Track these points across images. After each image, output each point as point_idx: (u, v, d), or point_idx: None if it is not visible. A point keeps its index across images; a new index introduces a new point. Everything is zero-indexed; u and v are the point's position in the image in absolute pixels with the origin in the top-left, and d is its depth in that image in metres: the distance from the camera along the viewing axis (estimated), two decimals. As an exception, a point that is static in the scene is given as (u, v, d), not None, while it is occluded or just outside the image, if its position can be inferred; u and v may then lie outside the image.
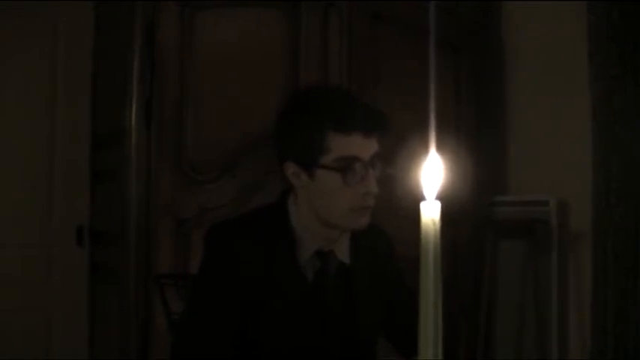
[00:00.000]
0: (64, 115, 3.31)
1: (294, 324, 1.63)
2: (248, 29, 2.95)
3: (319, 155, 1.56)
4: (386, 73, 3.15)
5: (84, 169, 3.27)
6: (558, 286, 3.29)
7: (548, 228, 3.28)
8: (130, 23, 2.85)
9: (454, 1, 3.36)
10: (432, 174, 0.85)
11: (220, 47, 2.90)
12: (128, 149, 2.83)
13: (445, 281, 0.89)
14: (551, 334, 3.30)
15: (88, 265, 3.26)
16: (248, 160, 2.87)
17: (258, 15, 2.96)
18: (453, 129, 3.34)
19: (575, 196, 3.27)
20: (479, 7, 3.53)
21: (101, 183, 3.24)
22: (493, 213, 3.45)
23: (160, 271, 2.68)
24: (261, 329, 1.61)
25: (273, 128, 1.66)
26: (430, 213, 0.84)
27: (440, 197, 0.86)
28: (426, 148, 0.91)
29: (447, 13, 3.30)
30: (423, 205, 0.84)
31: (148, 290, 2.75)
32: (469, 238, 3.36)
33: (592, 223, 3.07)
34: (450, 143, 3.13)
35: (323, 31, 3.00)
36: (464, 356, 3.36)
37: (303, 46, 2.98)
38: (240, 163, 2.87)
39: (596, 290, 3.06)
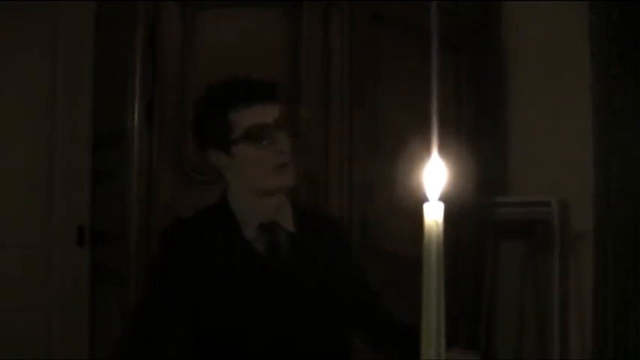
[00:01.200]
0: (64, 114, 3.31)
1: (254, 297, 1.71)
2: (249, 29, 2.94)
3: (228, 133, 1.73)
4: (386, 73, 3.15)
5: (84, 168, 3.27)
6: (559, 286, 3.29)
7: (549, 228, 3.28)
8: (131, 23, 2.85)
9: (454, 2, 3.36)
10: (434, 175, 0.85)
11: (221, 47, 2.90)
12: (129, 149, 2.82)
13: (446, 282, 0.89)
14: (551, 334, 3.30)
15: (88, 265, 3.26)
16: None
17: (259, 15, 2.95)
18: (454, 129, 3.34)
19: (575, 196, 3.27)
20: (479, 7, 3.53)
21: (102, 183, 3.24)
22: (494, 214, 3.45)
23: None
24: (224, 312, 1.70)
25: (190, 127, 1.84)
26: (433, 214, 0.84)
27: (442, 198, 0.86)
28: (426, 149, 0.91)
29: (448, 13, 3.30)
30: (425, 207, 0.84)
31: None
32: (470, 238, 3.36)
33: (593, 223, 3.07)
34: (451, 144, 3.13)
35: (324, 31, 3.00)
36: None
37: (304, 46, 2.97)
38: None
39: (597, 290, 3.06)
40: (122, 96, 2.86)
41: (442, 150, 0.92)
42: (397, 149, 2.82)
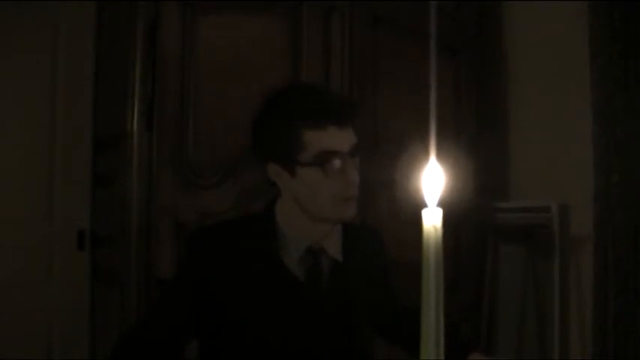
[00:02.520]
0: (64, 118, 3.31)
1: (287, 323, 1.63)
2: (249, 32, 2.95)
3: (298, 153, 1.59)
4: (386, 76, 3.15)
5: (85, 172, 3.27)
6: (559, 290, 3.29)
7: (550, 233, 3.28)
8: (132, 26, 2.85)
9: (455, 3, 3.36)
10: (433, 181, 0.85)
11: (222, 50, 2.90)
12: (129, 152, 2.83)
13: (446, 286, 0.89)
14: (552, 337, 3.30)
15: (89, 269, 3.25)
16: (249, 164, 2.87)
17: (259, 18, 2.96)
18: (453, 133, 3.34)
19: (576, 200, 3.27)
20: (479, 10, 3.53)
21: (102, 186, 3.24)
22: (494, 218, 3.45)
23: (161, 275, 2.68)
24: (253, 331, 1.61)
25: (251, 133, 1.69)
26: (432, 220, 0.84)
27: (441, 203, 0.86)
28: (426, 152, 0.91)
29: (447, 16, 3.31)
30: (424, 212, 0.84)
31: (149, 294, 2.75)
32: (470, 243, 3.36)
33: (593, 227, 3.07)
34: (450, 148, 3.13)
35: (324, 34, 3.01)
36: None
37: (305, 50, 2.98)
38: (241, 167, 2.87)
39: (597, 294, 3.06)
40: (122, 99, 2.87)
41: (441, 154, 0.92)
42: (397, 152, 2.82)
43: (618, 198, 3.00)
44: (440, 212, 0.84)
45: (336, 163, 1.58)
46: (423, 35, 3.04)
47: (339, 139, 1.60)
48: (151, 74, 2.82)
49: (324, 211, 1.62)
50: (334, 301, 1.68)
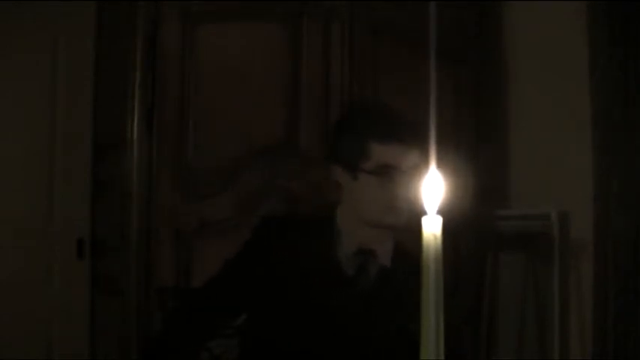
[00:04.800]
0: (64, 123, 3.30)
1: (327, 313, 1.75)
2: (250, 40, 2.96)
3: (362, 161, 1.75)
4: (386, 84, 3.15)
5: (85, 177, 3.27)
6: (559, 297, 3.29)
7: (549, 240, 3.28)
8: (132, 31, 2.86)
9: (454, 11, 3.36)
10: (433, 189, 0.85)
11: (222, 58, 2.91)
12: (129, 158, 2.83)
13: (446, 294, 0.89)
14: (552, 345, 3.30)
15: (88, 277, 3.25)
16: (249, 171, 2.87)
17: (259, 26, 2.97)
18: (453, 142, 3.34)
19: (576, 206, 3.27)
20: (479, 18, 3.53)
21: (102, 192, 3.23)
22: (494, 226, 3.45)
23: (161, 283, 2.68)
24: (293, 318, 1.75)
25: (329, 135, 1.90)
26: (431, 228, 0.85)
27: (441, 211, 0.86)
28: (426, 160, 0.91)
29: (447, 24, 3.31)
30: (424, 220, 0.84)
31: (149, 302, 2.75)
32: (470, 250, 3.36)
33: (593, 233, 3.07)
34: (450, 156, 3.13)
35: (324, 42, 3.02)
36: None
37: (305, 58, 2.99)
38: (242, 174, 2.88)
39: (597, 301, 3.05)
40: (122, 105, 2.87)
41: (441, 162, 0.93)
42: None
43: (618, 204, 3.01)
44: (440, 220, 0.85)
45: (394, 175, 1.73)
46: (422, 39, 3.04)
47: (401, 156, 1.75)
48: (151, 78, 2.82)
49: (375, 215, 1.76)
50: (375, 302, 1.77)
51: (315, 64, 3.01)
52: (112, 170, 3.05)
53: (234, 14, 2.95)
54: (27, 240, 3.23)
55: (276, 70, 2.98)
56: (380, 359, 1.77)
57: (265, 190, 2.86)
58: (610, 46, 3.05)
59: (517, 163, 3.59)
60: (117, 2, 3.11)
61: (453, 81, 3.38)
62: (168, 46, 2.85)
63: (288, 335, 1.75)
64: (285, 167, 2.91)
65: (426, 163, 1.84)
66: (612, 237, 3.01)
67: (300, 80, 2.98)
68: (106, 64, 3.22)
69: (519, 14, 3.59)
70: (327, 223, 1.83)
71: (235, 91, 2.92)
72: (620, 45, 3.03)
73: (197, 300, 1.88)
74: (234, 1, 2.95)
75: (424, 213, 0.86)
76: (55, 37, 3.30)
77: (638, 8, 3.04)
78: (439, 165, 0.90)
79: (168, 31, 2.85)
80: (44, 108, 3.29)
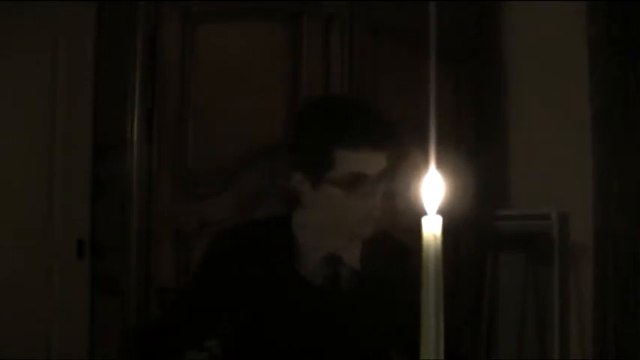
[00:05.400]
0: (64, 124, 3.31)
1: (300, 330, 1.62)
2: (250, 41, 2.96)
3: (325, 170, 1.56)
4: (386, 85, 3.15)
5: (85, 178, 3.27)
6: (559, 298, 3.29)
7: (549, 241, 3.28)
8: (132, 34, 2.86)
9: (454, 11, 3.36)
10: (433, 189, 0.85)
11: (222, 59, 2.91)
12: (129, 159, 2.83)
13: (446, 294, 0.89)
14: (552, 345, 3.30)
15: (88, 277, 3.25)
16: (249, 171, 2.87)
17: (259, 27, 2.97)
18: (453, 142, 3.34)
19: (576, 207, 3.27)
20: (479, 18, 3.53)
21: (102, 193, 3.24)
22: (494, 226, 3.45)
23: (161, 283, 2.68)
24: (264, 336, 1.63)
25: (284, 134, 1.68)
26: (431, 228, 0.85)
27: (441, 211, 0.86)
28: (426, 161, 0.91)
29: (447, 24, 3.31)
30: (424, 221, 0.84)
31: (149, 302, 2.75)
32: (470, 251, 3.36)
33: (592, 235, 3.07)
34: (450, 156, 3.13)
35: (324, 43, 3.02)
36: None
37: (305, 58, 2.99)
38: (242, 175, 2.88)
39: (597, 301, 3.05)
40: (122, 106, 2.87)
41: (441, 162, 0.92)
42: (399, 162, 2.82)
43: (618, 204, 3.00)
44: (440, 220, 0.85)
45: (363, 185, 1.56)
46: (422, 39, 3.04)
47: (370, 162, 1.56)
48: (151, 79, 2.82)
49: (340, 229, 1.61)
50: (351, 308, 1.65)
51: (315, 64, 3.01)
52: (111, 170, 3.05)
53: (234, 14, 2.95)
54: (27, 240, 3.23)
55: (276, 70, 2.98)
56: None
57: (265, 190, 2.86)
58: (610, 46, 3.04)
59: (517, 164, 3.58)
60: (117, 3, 3.11)
61: (452, 81, 3.38)
62: (168, 47, 2.85)
63: (267, 352, 1.63)
64: (285, 167, 2.90)
65: (403, 164, 1.77)
66: (612, 237, 3.01)
67: (300, 80, 2.98)
68: (106, 64, 3.22)
69: (519, 14, 3.59)
70: (284, 234, 1.65)
71: (235, 91, 2.92)
72: (620, 47, 3.02)
73: (166, 320, 1.72)
74: (235, 2, 2.95)
75: (424, 213, 0.85)
76: (55, 37, 3.31)
77: (638, 8, 3.03)
78: (439, 165, 0.90)
79: (168, 32, 2.85)
80: (44, 108, 3.29)
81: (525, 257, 3.39)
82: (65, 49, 3.31)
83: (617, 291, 3.00)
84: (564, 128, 3.35)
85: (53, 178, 3.29)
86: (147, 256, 2.80)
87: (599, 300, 3.05)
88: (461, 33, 3.42)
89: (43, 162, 3.29)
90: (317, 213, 1.62)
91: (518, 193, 3.57)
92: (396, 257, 1.74)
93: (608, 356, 3.01)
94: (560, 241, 3.29)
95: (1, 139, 3.25)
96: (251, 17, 2.96)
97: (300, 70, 2.98)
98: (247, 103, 2.91)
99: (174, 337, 1.65)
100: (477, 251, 3.39)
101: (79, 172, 3.28)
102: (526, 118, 3.55)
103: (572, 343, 3.33)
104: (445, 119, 3.29)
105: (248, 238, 1.67)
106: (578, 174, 3.18)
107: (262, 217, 1.78)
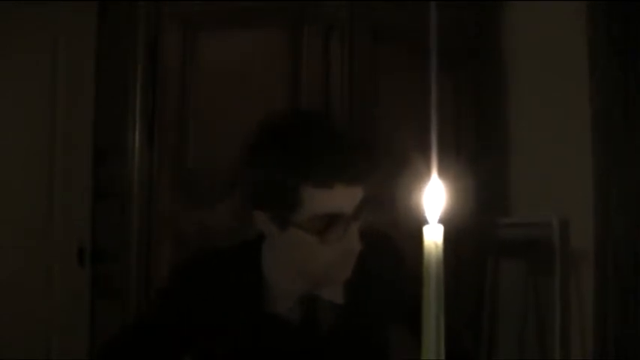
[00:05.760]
0: (64, 126, 3.31)
1: None
2: (250, 49, 2.95)
3: (291, 210, 1.30)
4: (386, 91, 3.15)
5: (85, 185, 3.27)
6: (560, 305, 3.28)
7: (550, 248, 3.27)
8: (133, 36, 2.86)
9: (454, 11, 3.35)
10: (434, 197, 0.85)
11: (222, 67, 2.91)
12: (129, 162, 2.83)
13: (446, 302, 0.89)
14: (553, 351, 3.29)
15: (88, 279, 3.25)
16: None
17: (260, 35, 2.96)
18: (454, 148, 3.34)
19: (576, 213, 3.26)
20: (478, 20, 3.53)
21: (102, 198, 3.24)
22: (495, 233, 3.45)
23: (161, 285, 2.68)
24: None
25: (241, 164, 1.41)
26: (432, 236, 0.84)
27: (442, 219, 0.86)
28: (426, 166, 0.91)
29: (447, 25, 3.31)
30: (425, 229, 0.84)
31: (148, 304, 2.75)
32: (471, 258, 3.35)
33: (594, 241, 3.06)
34: (451, 163, 3.12)
35: (324, 51, 3.01)
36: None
37: (305, 67, 2.98)
38: (242, 182, 2.87)
39: (598, 308, 3.05)
40: (123, 108, 2.87)
41: (442, 169, 0.92)
42: (397, 167, 2.82)
43: (618, 211, 3.00)
44: (441, 229, 0.84)
45: (337, 227, 1.32)
46: (422, 41, 3.04)
47: (344, 199, 1.31)
48: (152, 83, 2.82)
49: (314, 276, 1.38)
50: (338, 349, 1.46)
51: (315, 65, 3.01)
52: (112, 172, 3.05)
53: (234, 18, 2.95)
54: (27, 241, 3.23)
55: (276, 73, 2.98)
56: None
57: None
58: (610, 45, 3.04)
59: (517, 166, 3.58)
60: (117, 4, 3.11)
61: (452, 82, 3.38)
62: (169, 50, 2.85)
63: None
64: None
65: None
66: (613, 243, 3.00)
67: (301, 83, 2.98)
68: (107, 66, 3.22)
69: (519, 14, 3.59)
70: (253, 267, 1.44)
71: (236, 94, 2.91)
72: (620, 48, 3.02)
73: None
74: (235, 5, 2.95)
75: (425, 221, 0.85)
76: (56, 39, 3.31)
77: (638, 8, 3.03)
78: (440, 173, 0.89)
79: (169, 35, 2.85)
80: (44, 110, 3.30)
81: (526, 264, 3.39)
82: (65, 50, 3.31)
83: (618, 295, 2.99)
84: (564, 129, 3.34)
85: (53, 180, 3.30)
86: (147, 257, 2.80)
87: (600, 306, 3.04)
88: (461, 34, 3.41)
89: (43, 163, 3.29)
90: (286, 255, 1.39)
91: (518, 197, 3.56)
92: (387, 269, 1.53)
93: (609, 352, 3.00)
94: (561, 248, 3.29)
95: (2, 140, 3.25)
96: (251, 20, 2.95)
97: (300, 72, 2.97)
98: (247, 105, 2.91)
99: None
100: (477, 258, 3.38)
101: (79, 173, 3.28)
102: (526, 119, 3.55)
103: (573, 348, 3.32)
104: (445, 120, 3.28)
105: (212, 272, 1.46)
106: (579, 176, 3.18)
107: (230, 245, 1.53)
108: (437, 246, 0.85)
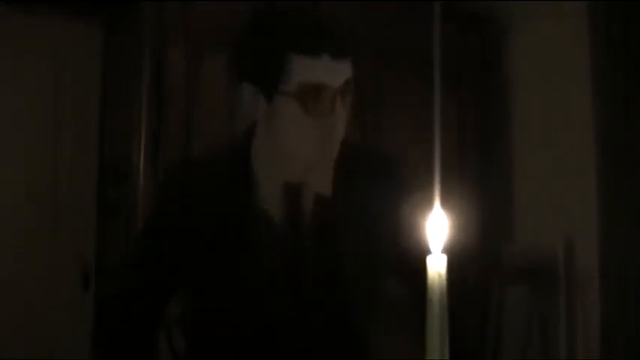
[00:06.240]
0: (70, 146, 3.32)
1: (263, 274, 1.42)
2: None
3: (279, 80, 1.33)
4: (391, 109, 3.16)
5: (90, 204, 3.27)
6: (566, 330, 3.26)
7: (555, 273, 3.26)
8: (139, 58, 2.88)
9: (458, 36, 3.36)
10: (437, 228, 0.85)
11: (227, 85, 2.92)
12: (135, 185, 2.84)
13: (450, 329, 0.89)
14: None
15: (92, 305, 3.24)
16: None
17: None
18: (458, 169, 3.34)
19: (582, 237, 3.24)
20: (483, 46, 3.54)
21: (108, 219, 3.24)
22: (499, 259, 3.43)
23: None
24: (227, 281, 1.43)
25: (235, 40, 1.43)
26: (436, 266, 0.85)
27: (446, 248, 0.86)
28: (430, 192, 0.91)
29: (450, 49, 3.32)
30: (429, 259, 0.84)
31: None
32: (475, 284, 3.34)
33: (599, 264, 3.05)
34: (455, 189, 3.11)
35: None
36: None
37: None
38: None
39: (604, 333, 3.03)
40: (129, 134, 2.89)
41: (445, 196, 0.92)
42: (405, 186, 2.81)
43: (624, 233, 2.99)
44: (444, 259, 0.84)
45: (323, 98, 1.34)
46: (426, 65, 3.04)
47: (332, 71, 1.34)
48: (157, 110, 2.84)
49: (298, 151, 1.38)
50: (319, 244, 1.44)
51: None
52: (117, 196, 3.06)
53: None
54: (32, 264, 3.23)
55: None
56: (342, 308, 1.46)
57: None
58: (612, 71, 3.03)
59: (521, 192, 3.57)
60: (123, 25, 3.13)
61: (456, 109, 3.38)
62: (174, 72, 2.86)
63: (227, 292, 1.43)
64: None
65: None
66: (618, 266, 2.99)
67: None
68: (112, 85, 3.23)
69: (523, 38, 3.59)
70: (239, 162, 1.44)
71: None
72: (622, 69, 3.01)
73: (126, 284, 1.54)
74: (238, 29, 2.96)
75: (429, 251, 0.85)
76: (62, 62, 3.32)
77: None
78: (443, 201, 0.90)
79: (174, 62, 2.86)
80: (50, 130, 3.30)
81: (531, 288, 3.37)
82: (71, 69, 3.33)
83: (624, 320, 2.98)
84: (568, 153, 3.33)
85: (58, 201, 3.30)
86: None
87: (606, 329, 3.02)
88: (465, 57, 3.43)
89: (47, 181, 3.29)
90: (273, 135, 1.39)
91: (523, 221, 3.55)
92: (381, 178, 1.51)
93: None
94: (565, 273, 3.27)
95: (6, 158, 3.26)
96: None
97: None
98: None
99: (137, 299, 1.49)
100: (482, 285, 3.37)
101: (85, 196, 3.29)
102: (530, 143, 3.54)
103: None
104: (450, 147, 3.28)
105: (201, 171, 1.48)
106: (584, 200, 3.17)
107: (218, 146, 1.57)
108: (440, 276, 0.85)
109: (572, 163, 3.31)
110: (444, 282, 0.85)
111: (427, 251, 0.84)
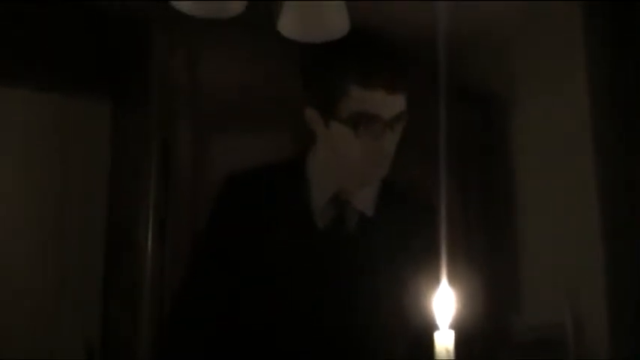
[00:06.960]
0: (77, 224, 3.32)
1: (302, 271, 1.57)
2: (263, 150, 3.00)
3: (336, 106, 1.50)
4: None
5: (96, 285, 3.26)
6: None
7: (565, 348, 3.22)
8: (146, 137, 2.92)
9: (464, 113, 3.39)
10: (444, 303, 0.87)
11: (234, 163, 2.95)
12: (142, 263, 2.85)
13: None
14: None
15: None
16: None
17: (271, 144, 3.00)
18: (464, 249, 3.33)
19: (590, 314, 3.21)
20: (488, 122, 3.56)
21: (113, 297, 3.23)
22: (507, 335, 3.40)
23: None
24: (276, 279, 1.58)
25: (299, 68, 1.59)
26: (444, 342, 0.86)
27: (453, 324, 0.87)
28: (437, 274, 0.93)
29: (454, 125, 3.35)
30: (436, 335, 0.85)
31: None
32: (483, 358, 3.30)
33: (608, 341, 3.01)
34: (461, 265, 3.11)
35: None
36: None
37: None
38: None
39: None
40: (135, 214, 2.90)
41: (451, 273, 0.94)
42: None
43: (634, 306, 2.96)
44: (452, 334, 0.86)
45: (373, 128, 1.50)
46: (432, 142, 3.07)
47: (384, 104, 1.49)
48: (164, 191, 2.86)
49: (348, 168, 1.56)
50: (353, 254, 1.59)
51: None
52: (124, 274, 3.06)
53: (245, 122, 3.01)
54: (34, 342, 3.20)
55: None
56: (365, 316, 1.59)
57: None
58: (612, 119, 3.03)
59: (528, 267, 3.55)
60: (131, 108, 3.18)
61: (460, 180, 3.40)
62: (181, 151, 2.90)
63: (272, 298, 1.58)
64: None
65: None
66: (629, 344, 2.95)
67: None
68: (120, 163, 3.26)
69: (528, 113, 3.61)
70: (297, 172, 1.62)
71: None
72: (621, 113, 3.01)
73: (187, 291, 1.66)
74: (247, 106, 3.01)
75: (437, 327, 0.87)
76: (69, 140, 3.36)
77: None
78: (449, 274, 0.91)
79: (181, 141, 2.90)
80: (55, 209, 3.32)
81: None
82: (78, 147, 3.35)
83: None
84: (575, 227, 3.32)
85: (64, 278, 3.29)
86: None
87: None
88: (469, 131, 3.45)
89: (54, 262, 3.29)
90: (328, 152, 1.58)
91: (530, 296, 3.52)
92: (415, 218, 1.68)
93: None
94: (575, 349, 3.23)
95: (12, 234, 3.26)
96: (263, 131, 3.00)
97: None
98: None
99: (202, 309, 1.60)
100: (490, 358, 3.33)
101: (90, 274, 3.28)
102: (536, 217, 3.54)
103: None
104: (454, 220, 3.28)
105: (259, 182, 1.64)
106: (592, 274, 3.14)
107: (274, 161, 1.71)
108: (448, 351, 0.86)
109: (580, 238, 3.29)
110: (452, 357, 0.86)
111: (435, 327, 0.85)
